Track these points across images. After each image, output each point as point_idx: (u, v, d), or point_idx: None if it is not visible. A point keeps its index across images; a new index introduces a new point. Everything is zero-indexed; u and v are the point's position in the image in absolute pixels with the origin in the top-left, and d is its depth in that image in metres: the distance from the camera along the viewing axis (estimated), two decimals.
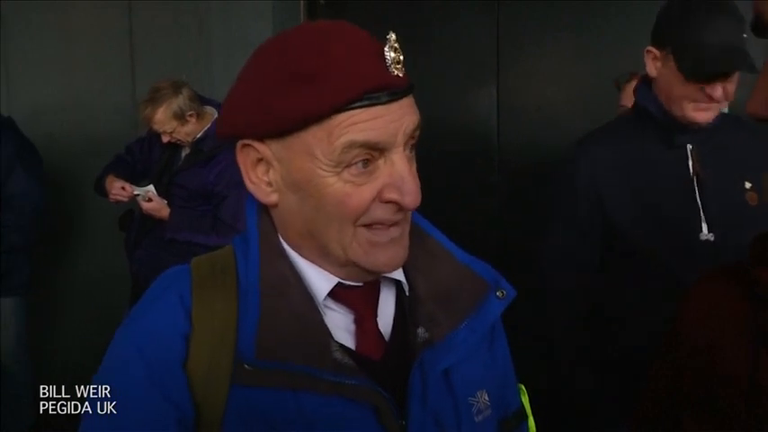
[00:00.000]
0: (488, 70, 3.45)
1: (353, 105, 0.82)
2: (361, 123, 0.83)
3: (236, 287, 0.91)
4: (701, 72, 1.68)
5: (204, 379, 0.85)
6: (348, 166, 0.84)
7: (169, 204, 3.06)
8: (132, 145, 3.35)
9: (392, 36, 0.85)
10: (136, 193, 3.06)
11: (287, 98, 0.83)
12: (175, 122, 2.99)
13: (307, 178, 0.86)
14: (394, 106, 0.84)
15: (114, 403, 0.85)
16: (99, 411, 0.86)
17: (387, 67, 0.84)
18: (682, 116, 1.75)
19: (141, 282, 3.11)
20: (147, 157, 3.28)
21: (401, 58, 0.86)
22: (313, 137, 0.84)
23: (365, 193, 0.85)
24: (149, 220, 3.11)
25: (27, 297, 3.60)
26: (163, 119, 2.97)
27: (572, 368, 1.98)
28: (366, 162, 0.85)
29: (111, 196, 3.14)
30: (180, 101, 2.97)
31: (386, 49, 0.85)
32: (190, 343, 0.87)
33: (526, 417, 1.09)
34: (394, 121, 0.84)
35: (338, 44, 0.84)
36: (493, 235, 3.47)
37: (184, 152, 3.13)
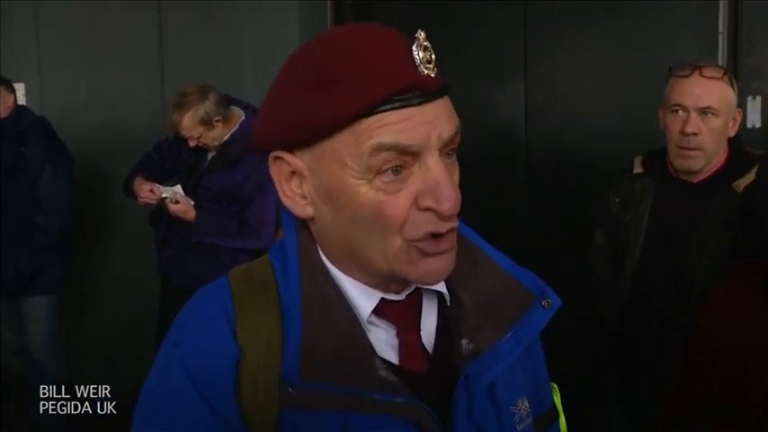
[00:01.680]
0: (516, 68, 3.43)
1: (382, 108, 0.78)
2: (391, 125, 0.79)
3: (279, 305, 0.88)
4: None
5: (252, 403, 0.84)
6: (379, 173, 0.80)
7: (195, 206, 3.08)
8: (161, 143, 3.36)
9: (421, 35, 0.81)
10: (163, 195, 3.08)
11: (313, 105, 0.80)
12: (202, 128, 2.99)
13: (339, 188, 0.82)
14: (427, 108, 0.80)
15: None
16: None
17: (416, 67, 0.80)
18: None
19: (171, 281, 3.15)
20: (176, 156, 3.29)
21: (432, 57, 0.82)
22: (342, 143, 0.80)
23: (400, 200, 0.81)
24: (177, 219, 3.13)
25: (59, 295, 3.65)
26: (190, 125, 2.98)
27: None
28: (398, 169, 0.80)
29: (141, 199, 3.15)
30: (207, 106, 2.96)
31: (414, 47, 0.81)
32: (239, 368, 0.84)
33: (558, 415, 1.07)
34: (426, 122, 0.80)
35: (364, 47, 0.81)
36: (520, 234, 3.45)
37: (211, 154, 3.14)
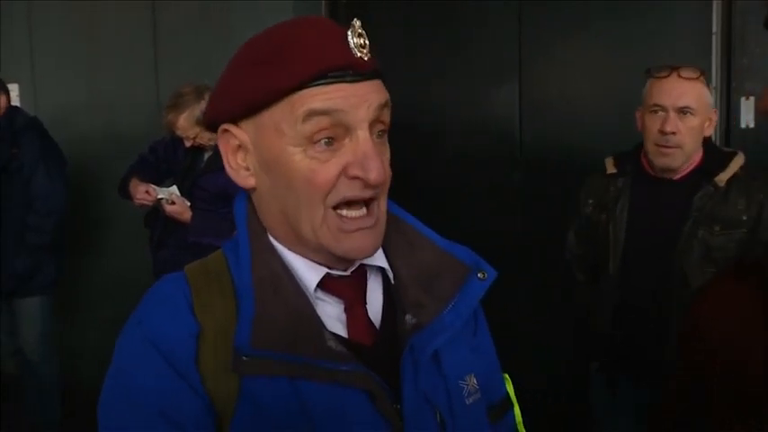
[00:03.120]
0: (510, 67, 3.43)
1: (317, 82, 0.86)
2: (323, 95, 0.86)
3: (233, 289, 0.93)
4: None
5: (213, 376, 0.88)
6: (313, 142, 0.87)
7: (192, 206, 3.08)
8: (156, 145, 3.37)
9: (356, 22, 0.89)
10: (159, 197, 3.09)
11: (255, 78, 0.88)
12: (198, 128, 3.00)
13: (276, 156, 0.89)
14: (359, 85, 0.88)
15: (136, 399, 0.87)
16: (122, 407, 0.88)
17: (350, 50, 0.88)
18: None
19: None
20: (172, 157, 3.30)
21: (365, 42, 0.89)
22: (280, 112, 0.87)
23: (330, 168, 0.88)
24: (173, 220, 3.13)
25: (52, 296, 3.64)
26: (185, 125, 2.99)
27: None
28: (330, 140, 0.87)
29: (137, 200, 3.16)
30: (202, 106, 2.96)
31: (349, 32, 0.88)
32: (198, 343, 0.89)
33: (512, 405, 1.11)
34: (358, 96, 0.87)
35: (303, 29, 0.90)
36: (515, 232, 3.45)
37: (207, 154, 3.15)
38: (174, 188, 3.12)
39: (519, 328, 3.37)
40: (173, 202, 3.06)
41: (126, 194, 3.25)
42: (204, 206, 3.06)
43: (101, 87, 4.13)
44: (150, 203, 3.14)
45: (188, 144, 3.07)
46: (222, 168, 3.13)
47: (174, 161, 3.28)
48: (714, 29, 3.03)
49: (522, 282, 3.37)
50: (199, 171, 3.13)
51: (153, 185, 3.14)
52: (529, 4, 3.38)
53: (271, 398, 0.87)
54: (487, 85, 3.51)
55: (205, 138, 3.04)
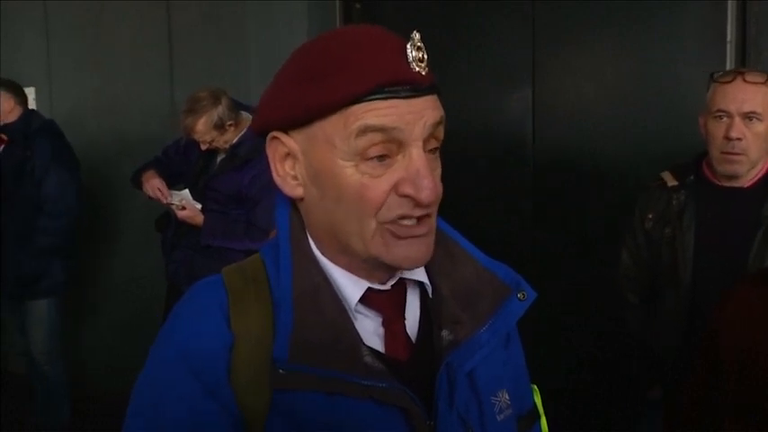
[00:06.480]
0: (523, 71, 3.42)
1: (372, 97, 0.84)
2: (378, 110, 0.84)
3: (270, 296, 0.92)
4: None
5: (245, 387, 0.87)
6: (365, 159, 0.86)
7: (204, 208, 3.10)
8: (168, 148, 3.40)
9: (416, 35, 0.87)
10: (170, 202, 3.12)
11: (310, 89, 0.86)
12: (215, 132, 3.03)
13: (327, 168, 0.88)
14: (415, 101, 0.86)
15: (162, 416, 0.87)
16: (149, 427, 0.87)
17: (408, 64, 0.86)
18: None
19: (178, 283, 3.16)
20: (184, 159, 3.32)
21: (424, 56, 0.88)
22: (332, 125, 0.86)
23: (382, 184, 0.86)
24: (185, 223, 3.15)
25: (61, 298, 3.66)
26: (203, 129, 3.01)
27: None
28: (383, 156, 0.86)
29: (145, 188, 3.20)
30: (220, 111, 3.01)
31: (408, 46, 0.87)
32: (232, 354, 0.88)
33: (539, 416, 1.11)
34: (413, 113, 0.86)
35: (363, 41, 0.88)
36: (527, 237, 3.45)
37: (220, 157, 3.17)
38: (186, 192, 3.14)
39: (532, 335, 3.37)
40: (183, 208, 3.09)
41: (138, 184, 3.28)
42: (217, 208, 3.09)
43: (115, 90, 4.16)
44: (153, 197, 3.18)
45: (204, 147, 3.10)
46: (235, 169, 3.16)
47: (187, 164, 3.30)
48: (728, 37, 3.01)
49: (535, 287, 3.36)
50: (212, 173, 3.15)
51: (166, 187, 3.18)
52: (541, 9, 3.37)
53: (304, 411, 0.86)
54: (500, 88, 3.50)
55: (221, 141, 3.07)
